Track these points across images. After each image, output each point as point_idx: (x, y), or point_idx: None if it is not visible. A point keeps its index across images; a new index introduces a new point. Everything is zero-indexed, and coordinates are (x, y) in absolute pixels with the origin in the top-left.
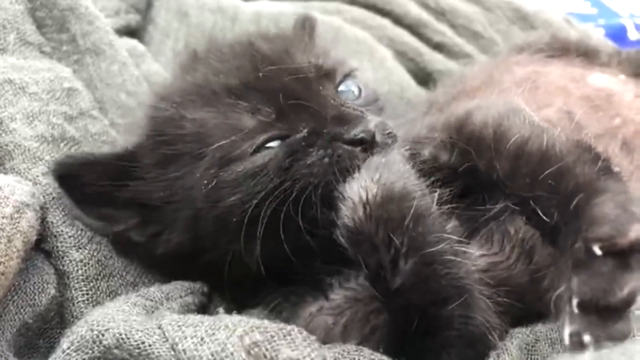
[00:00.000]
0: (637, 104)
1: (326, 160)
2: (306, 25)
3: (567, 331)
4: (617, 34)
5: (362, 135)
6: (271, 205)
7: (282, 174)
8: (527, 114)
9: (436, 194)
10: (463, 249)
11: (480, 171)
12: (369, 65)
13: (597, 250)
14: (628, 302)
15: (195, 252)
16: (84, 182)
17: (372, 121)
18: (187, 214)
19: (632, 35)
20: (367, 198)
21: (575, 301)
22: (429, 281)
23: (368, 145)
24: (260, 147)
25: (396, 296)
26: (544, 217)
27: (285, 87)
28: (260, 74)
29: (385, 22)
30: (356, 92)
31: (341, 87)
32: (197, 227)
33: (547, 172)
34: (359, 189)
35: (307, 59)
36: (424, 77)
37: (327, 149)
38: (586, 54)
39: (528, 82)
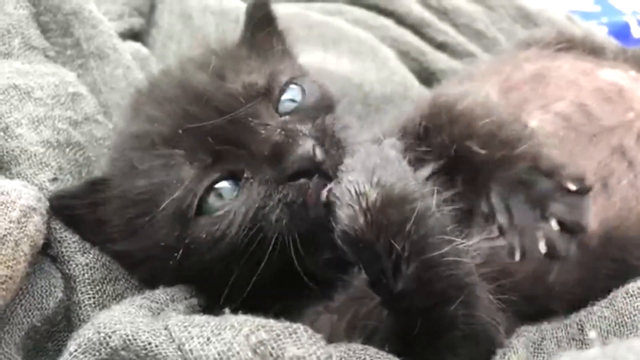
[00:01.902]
0: None
1: (286, 211)
2: (254, 20)
3: (543, 242)
4: (621, 32)
5: (297, 166)
6: (254, 257)
7: (251, 229)
8: (487, 93)
9: (435, 189)
10: (464, 247)
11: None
12: (372, 65)
13: (572, 186)
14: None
15: (192, 278)
16: (77, 212)
17: (309, 139)
18: (168, 269)
19: (636, 32)
20: (367, 205)
21: (554, 220)
22: (431, 284)
23: (311, 170)
24: (207, 195)
25: (398, 299)
26: (480, 150)
27: (215, 128)
28: (191, 119)
29: (388, 22)
30: (298, 97)
31: (284, 96)
32: (181, 275)
33: (485, 120)
34: (357, 194)
35: (241, 81)
36: (427, 77)
37: (279, 200)
38: (592, 51)
39: (538, 77)
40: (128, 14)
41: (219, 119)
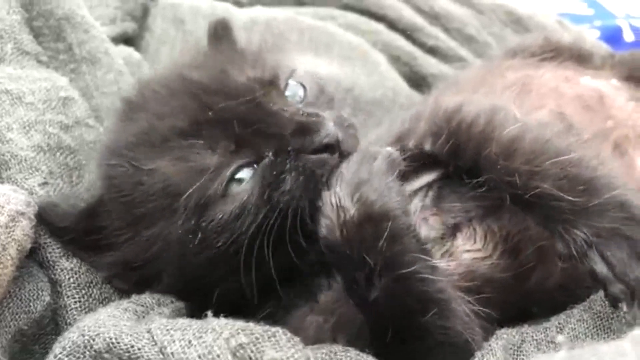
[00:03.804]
0: (628, 108)
1: (301, 179)
2: (220, 33)
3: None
4: (613, 36)
5: (326, 141)
6: (265, 238)
7: (264, 207)
8: (514, 112)
9: (421, 205)
10: (439, 265)
11: (463, 158)
12: (362, 69)
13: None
14: None
15: (185, 287)
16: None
17: (330, 121)
18: (173, 265)
19: (628, 36)
20: (344, 220)
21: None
22: (402, 298)
23: (335, 147)
24: (231, 181)
25: (371, 307)
26: (559, 193)
27: (236, 114)
28: (208, 108)
29: (380, 27)
30: (301, 92)
31: (287, 92)
32: (186, 271)
33: (555, 159)
34: (337, 207)
35: (246, 74)
36: (418, 81)
37: (298, 168)
38: (579, 57)
39: (520, 85)
40: (121, 18)
41: (240, 101)
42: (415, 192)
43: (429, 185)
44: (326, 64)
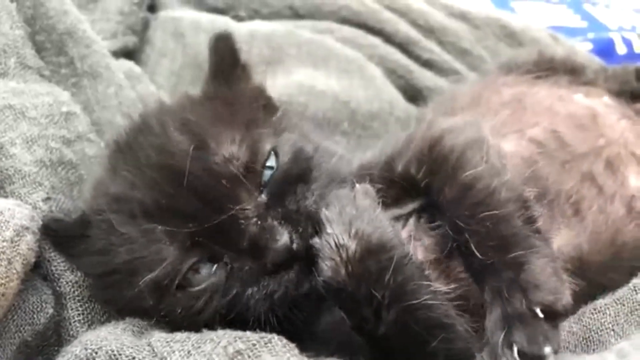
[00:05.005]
0: (620, 126)
1: (266, 300)
2: (221, 49)
3: None
4: (605, 48)
5: (279, 260)
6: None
7: (227, 312)
8: (490, 148)
9: (414, 226)
10: (441, 288)
11: (434, 191)
12: (359, 83)
13: (540, 313)
14: (555, 353)
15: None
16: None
17: (284, 232)
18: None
19: (620, 49)
20: (347, 256)
21: (516, 349)
22: (412, 327)
23: (291, 260)
24: (186, 277)
25: (381, 342)
26: (475, 251)
27: (197, 214)
28: (173, 195)
29: (376, 41)
30: (274, 163)
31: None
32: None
33: (486, 213)
34: (337, 246)
35: (222, 154)
36: (414, 94)
37: (258, 288)
38: (573, 71)
39: (515, 102)
40: (122, 32)
41: (202, 210)
42: (407, 217)
43: (421, 209)
44: (324, 77)
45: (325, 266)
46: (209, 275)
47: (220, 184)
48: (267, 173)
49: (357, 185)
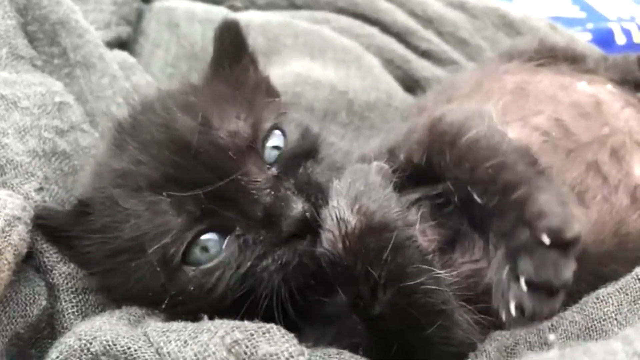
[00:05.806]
0: (625, 114)
1: (280, 271)
2: (227, 39)
3: (513, 304)
4: (605, 38)
5: (295, 229)
6: (243, 306)
7: (240, 287)
8: (490, 117)
9: (419, 216)
10: (443, 275)
11: (435, 162)
12: (356, 73)
13: (546, 239)
14: (565, 285)
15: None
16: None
17: (298, 201)
18: (147, 300)
19: (620, 39)
20: (346, 231)
21: (523, 279)
22: (408, 310)
23: (305, 229)
24: (191, 245)
25: (375, 321)
26: (478, 199)
27: (205, 180)
28: (181, 167)
29: (373, 31)
30: (281, 143)
31: (267, 145)
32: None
33: (489, 162)
34: (338, 220)
35: (226, 128)
36: (411, 84)
37: (273, 258)
38: (574, 59)
39: (518, 90)
40: (115, 22)
41: (209, 176)
42: (411, 204)
43: (423, 198)
44: (321, 68)
45: (324, 237)
46: (220, 250)
47: (226, 155)
48: (275, 153)
49: (375, 162)
